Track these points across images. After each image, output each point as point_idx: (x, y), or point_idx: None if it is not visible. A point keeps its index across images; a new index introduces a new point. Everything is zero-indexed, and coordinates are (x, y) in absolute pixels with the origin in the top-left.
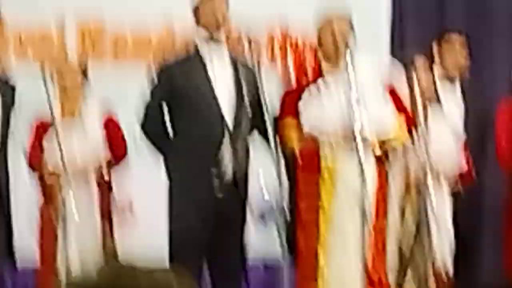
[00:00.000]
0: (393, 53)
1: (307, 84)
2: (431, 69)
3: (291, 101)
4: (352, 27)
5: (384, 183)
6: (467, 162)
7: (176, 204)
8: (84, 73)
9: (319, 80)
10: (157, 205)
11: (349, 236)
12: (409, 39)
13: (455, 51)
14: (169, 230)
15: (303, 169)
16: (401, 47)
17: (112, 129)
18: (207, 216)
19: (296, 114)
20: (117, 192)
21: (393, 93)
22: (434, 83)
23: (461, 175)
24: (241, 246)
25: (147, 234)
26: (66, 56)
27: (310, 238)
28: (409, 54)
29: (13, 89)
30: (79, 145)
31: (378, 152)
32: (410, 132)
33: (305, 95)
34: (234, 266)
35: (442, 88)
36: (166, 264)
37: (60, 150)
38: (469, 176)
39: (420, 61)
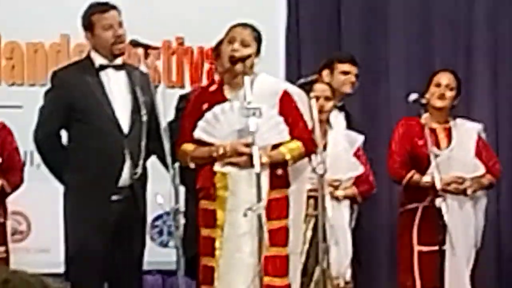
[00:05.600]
0: (289, 73)
1: (205, 109)
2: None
3: (189, 126)
4: (258, 40)
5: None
6: (364, 165)
7: (71, 211)
8: None
9: (216, 108)
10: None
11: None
12: (306, 60)
13: (343, 80)
14: (64, 239)
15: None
16: (297, 68)
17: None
18: (103, 223)
19: (193, 141)
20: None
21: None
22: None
23: (358, 180)
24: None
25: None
26: None
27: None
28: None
29: None
30: None
31: (265, 160)
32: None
33: (201, 123)
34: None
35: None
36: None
37: None
38: (367, 181)
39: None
